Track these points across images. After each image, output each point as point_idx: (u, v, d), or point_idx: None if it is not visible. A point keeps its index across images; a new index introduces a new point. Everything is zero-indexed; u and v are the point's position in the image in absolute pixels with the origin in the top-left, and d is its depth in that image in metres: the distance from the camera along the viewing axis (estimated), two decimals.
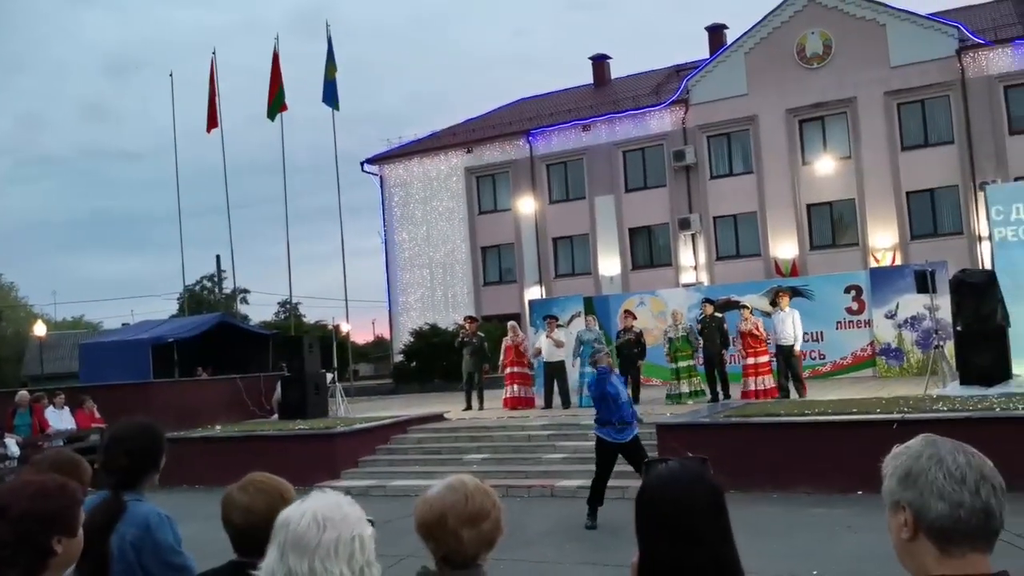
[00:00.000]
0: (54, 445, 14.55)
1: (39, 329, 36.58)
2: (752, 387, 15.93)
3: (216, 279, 47.84)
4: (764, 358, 16.11)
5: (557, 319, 18.73)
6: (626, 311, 18.41)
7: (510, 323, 18.86)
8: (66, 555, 2.26)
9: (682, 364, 16.78)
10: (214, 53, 26.31)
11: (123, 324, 44.43)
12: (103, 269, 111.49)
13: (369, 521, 1.97)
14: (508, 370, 18.00)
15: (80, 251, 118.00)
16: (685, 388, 16.66)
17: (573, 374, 17.61)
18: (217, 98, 26.18)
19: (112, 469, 3.05)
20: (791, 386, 15.75)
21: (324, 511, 1.83)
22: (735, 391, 16.36)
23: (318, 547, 1.78)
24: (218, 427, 16.89)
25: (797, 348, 15.86)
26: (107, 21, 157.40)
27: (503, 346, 18.20)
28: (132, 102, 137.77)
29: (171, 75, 27.08)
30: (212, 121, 26.19)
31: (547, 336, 17.79)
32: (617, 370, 12.60)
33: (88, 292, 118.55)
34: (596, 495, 9.69)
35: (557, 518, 10.26)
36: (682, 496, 2.02)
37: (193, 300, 51.71)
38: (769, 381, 15.98)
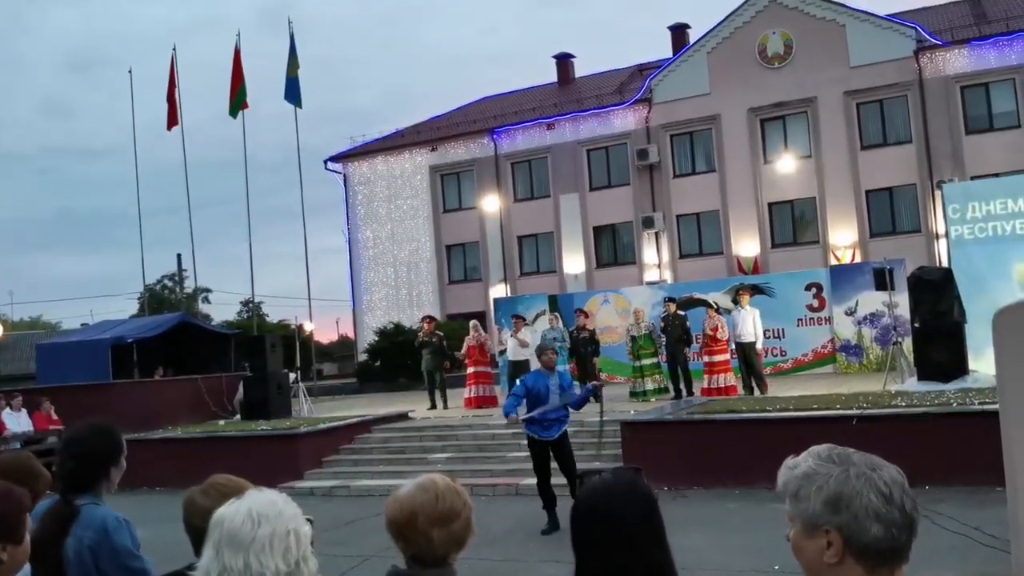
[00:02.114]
0: (11, 448, 14.30)
1: None
2: (712, 384, 16.11)
3: (177, 278, 47.31)
4: (722, 356, 16.26)
5: (524, 319, 18.77)
6: (578, 310, 18.53)
7: (472, 322, 18.86)
8: (12, 562, 2.22)
9: (645, 362, 16.91)
10: (174, 49, 26.02)
11: (82, 324, 43.81)
12: (62, 268, 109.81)
13: (307, 520, 1.98)
14: (470, 370, 17.99)
15: (38, 250, 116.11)
16: (649, 385, 16.77)
17: None
18: (177, 95, 25.87)
19: (63, 473, 3.01)
20: (753, 383, 15.91)
21: (258, 508, 1.84)
22: (696, 388, 16.51)
23: (252, 543, 1.79)
24: (179, 428, 16.69)
25: (759, 346, 16.03)
26: (68, 16, 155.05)
27: (466, 345, 18.19)
28: (94, 98, 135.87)
29: (130, 71, 26.73)
30: (172, 119, 25.86)
31: (512, 335, 17.82)
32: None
33: (46, 292, 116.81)
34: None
35: (521, 516, 10.26)
36: (616, 507, 2.07)
37: (154, 300, 51.06)
38: (728, 379, 16.12)
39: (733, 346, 16.32)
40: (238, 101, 24.82)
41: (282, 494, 1.93)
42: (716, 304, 17.72)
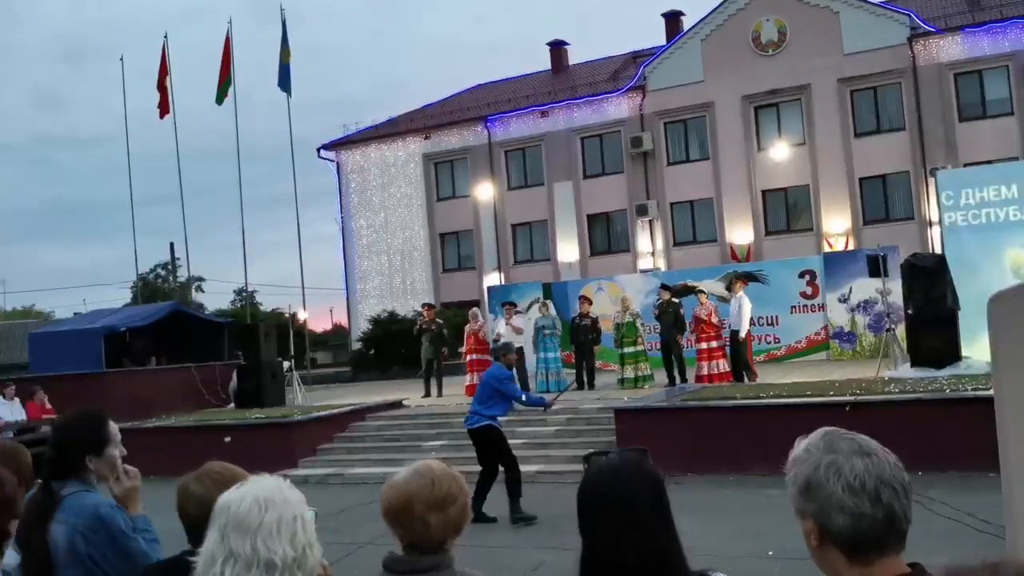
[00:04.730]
0: (4, 437, 14.28)
1: None
2: (705, 371, 16.17)
3: (170, 267, 47.22)
4: (716, 343, 16.31)
5: (515, 305, 18.77)
6: (582, 297, 18.49)
7: (472, 311, 18.89)
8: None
9: (628, 349, 16.89)
10: (165, 37, 25.85)
11: (75, 313, 43.65)
12: (55, 258, 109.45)
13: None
14: (469, 357, 18.00)
15: (31, 240, 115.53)
16: (636, 373, 16.76)
17: (532, 360, 17.68)
18: (169, 83, 25.70)
19: (45, 461, 3.05)
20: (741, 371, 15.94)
21: (264, 493, 1.84)
22: (690, 375, 16.53)
23: (260, 527, 1.79)
24: (173, 417, 16.67)
25: (742, 334, 16.02)
26: (59, 5, 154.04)
27: (465, 333, 18.20)
28: (85, 87, 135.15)
29: (121, 59, 26.58)
30: (164, 107, 25.71)
31: (505, 323, 17.82)
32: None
33: (39, 281, 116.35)
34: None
35: None
36: (622, 489, 2.04)
37: (147, 289, 50.96)
38: (723, 365, 16.20)
39: (728, 333, 16.39)
40: (224, 89, 24.68)
41: (285, 480, 1.94)
42: (707, 292, 17.72)
